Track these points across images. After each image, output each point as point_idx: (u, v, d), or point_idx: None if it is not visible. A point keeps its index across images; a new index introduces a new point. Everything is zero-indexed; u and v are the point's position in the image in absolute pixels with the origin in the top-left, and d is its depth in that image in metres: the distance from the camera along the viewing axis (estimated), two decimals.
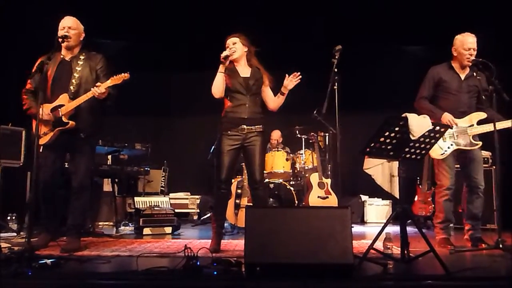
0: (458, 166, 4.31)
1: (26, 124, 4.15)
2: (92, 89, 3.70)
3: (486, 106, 4.10)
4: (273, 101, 4.00)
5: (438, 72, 4.24)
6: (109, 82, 3.70)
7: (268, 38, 5.20)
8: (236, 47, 3.89)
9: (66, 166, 4.21)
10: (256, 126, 3.87)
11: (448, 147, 4.12)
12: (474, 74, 4.15)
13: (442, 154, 4.12)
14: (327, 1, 6.13)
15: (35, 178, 3.32)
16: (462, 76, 4.20)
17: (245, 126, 3.83)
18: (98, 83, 3.72)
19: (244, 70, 3.95)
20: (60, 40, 3.73)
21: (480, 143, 4.12)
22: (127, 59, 6.45)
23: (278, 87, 3.99)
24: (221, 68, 3.80)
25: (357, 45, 6.25)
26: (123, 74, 3.71)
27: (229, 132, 3.84)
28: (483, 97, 4.08)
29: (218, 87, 3.81)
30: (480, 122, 4.11)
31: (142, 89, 7.42)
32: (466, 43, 4.10)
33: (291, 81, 3.85)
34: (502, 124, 3.98)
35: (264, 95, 4.03)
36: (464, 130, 4.11)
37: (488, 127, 4.00)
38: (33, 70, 3.78)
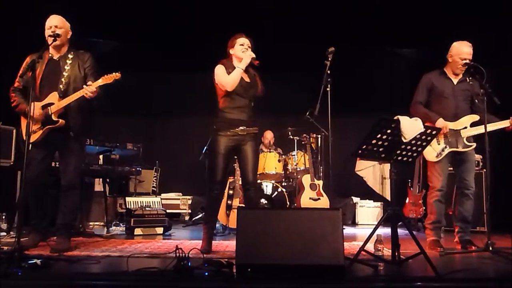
0: (452, 168, 4.37)
1: (16, 122, 4.12)
2: (84, 87, 3.69)
3: (481, 109, 4.06)
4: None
5: (430, 79, 4.32)
6: (101, 81, 3.69)
7: (261, 38, 5.17)
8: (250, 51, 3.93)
9: (57, 166, 4.19)
10: (253, 128, 3.91)
11: (443, 150, 4.17)
12: (467, 79, 4.21)
13: (436, 157, 4.18)
14: (321, 3, 6.14)
15: (24, 177, 3.30)
16: (455, 81, 4.27)
17: (244, 127, 3.85)
18: (90, 82, 3.71)
19: (245, 75, 3.96)
20: (51, 39, 3.71)
21: (474, 144, 4.17)
22: (119, 58, 6.44)
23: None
24: (243, 65, 3.82)
25: (350, 47, 6.27)
26: (114, 73, 3.71)
27: (227, 132, 3.82)
28: (476, 101, 4.14)
29: (235, 81, 3.79)
30: (473, 124, 4.15)
31: (134, 89, 7.41)
32: (463, 53, 4.14)
33: None
34: (497, 125, 4.05)
35: None
36: (457, 133, 4.16)
37: (481, 129, 3.99)
38: (22, 69, 3.76)
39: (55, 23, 3.82)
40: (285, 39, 6.73)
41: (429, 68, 4.42)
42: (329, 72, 4.00)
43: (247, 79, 3.95)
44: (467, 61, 4.12)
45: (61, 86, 3.80)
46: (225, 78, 3.81)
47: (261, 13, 6.29)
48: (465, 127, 4.16)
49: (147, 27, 6.71)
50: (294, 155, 6.48)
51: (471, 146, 4.16)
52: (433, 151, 4.17)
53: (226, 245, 4.25)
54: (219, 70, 3.87)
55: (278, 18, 6.42)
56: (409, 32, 6.58)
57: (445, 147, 4.17)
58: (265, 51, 4.21)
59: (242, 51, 3.89)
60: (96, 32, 6.73)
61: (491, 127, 3.98)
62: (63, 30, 3.86)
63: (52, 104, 3.76)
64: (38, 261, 2.89)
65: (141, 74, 7.45)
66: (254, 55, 3.87)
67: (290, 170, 6.48)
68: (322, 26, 6.47)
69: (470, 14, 5.83)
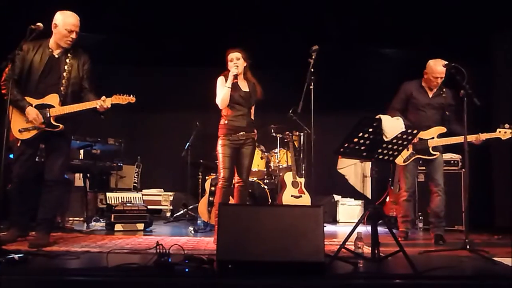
0: (424, 168, 4.84)
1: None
2: (97, 101, 3.79)
3: (451, 118, 4.57)
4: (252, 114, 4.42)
5: (410, 88, 4.68)
6: (114, 100, 3.83)
7: (246, 36, 5.18)
8: (239, 63, 4.19)
9: (41, 160, 4.14)
10: (252, 133, 4.29)
11: (410, 156, 4.59)
12: (441, 92, 4.62)
13: (404, 162, 4.60)
14: (305, 2, 6.15)
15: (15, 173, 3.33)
16: (430, 95, 4.66)
17: (244, 133, 4.22)
18: (103, 97, 3.81)
19: (243, 84, 4.27)
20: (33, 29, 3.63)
21: (438, 153, 4.58)
22: (101, 52, 6.35)
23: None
24: (229, 84, 4.11)
25: (334, 46, 6.29)
26: (130, 96, 3.87)
27: (230, 137, 4.19)
28: (447, 112, 4.59)
29: (225, 100, 4.14)
30: (441, 135, 4.55)
31: (115, 84, 7.29)
32: (436, 72, 4.50)
33: None
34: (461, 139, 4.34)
35: None
36: (425, 142, 4.55)
37: (446, 141, 4.51)
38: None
39: (77, 28, 3.86)
40: (269, 36, 6.72)
41: (412, 69, 4.48)
42: (312, 70, 4.03)
43: (246, 89, 4.26)
44: (440, 79, 4.50)
45: (61, 88, 3.82)
46: (217, 97, 4.19)
47: (246, 13, 6.27)
48: (433, 138, 4.56)
49: (129, 21, 6.61)
50: (276, 153, 6.49)
51: (435, 155, 4.56)
52: (400, 157, 4.49)
53: (207, 242, 4.24)
54: (218, 83, 4.23)
55: (263, 15, 6.40)
56: (392, 32, 6.62)
57: (413, 153, 4.58)
58: (248, 48, 4.23)
59: (231, 67, 4.17)
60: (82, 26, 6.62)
61: (456, 140, 4.39)
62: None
63: (51, 106, 3.75)
64: (16, 256, 2.86)
65: (123, 68, 7.37)
66: (236, 72, 4.13)
67: (273, 168, 6.48)
68: (306, 24, 6.48)
69: (456, 16, 5.88)
